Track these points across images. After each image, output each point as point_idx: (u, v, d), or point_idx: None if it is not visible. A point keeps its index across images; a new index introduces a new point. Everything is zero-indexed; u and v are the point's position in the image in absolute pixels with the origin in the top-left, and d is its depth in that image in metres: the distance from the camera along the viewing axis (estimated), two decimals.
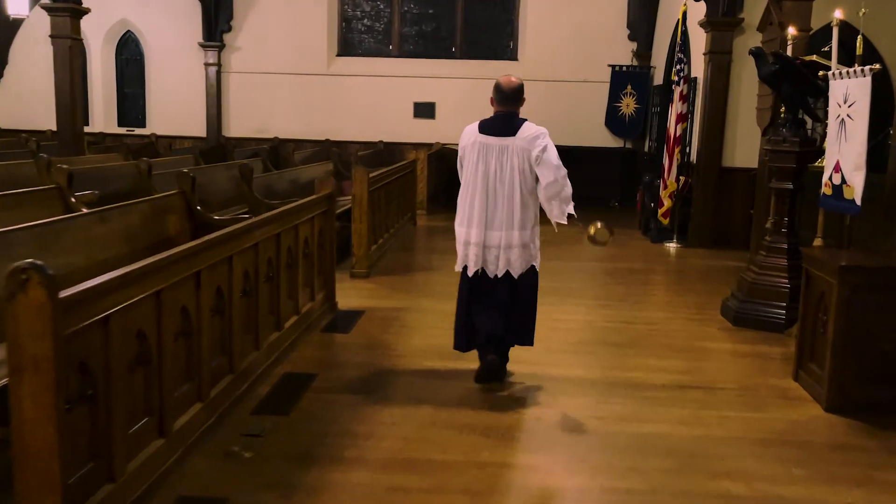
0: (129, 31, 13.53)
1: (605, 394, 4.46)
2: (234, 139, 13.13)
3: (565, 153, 12.53)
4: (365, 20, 13.64)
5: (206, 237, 3.79)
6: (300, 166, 9.96)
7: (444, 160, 12.60)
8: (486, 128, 4.39)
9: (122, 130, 13.67)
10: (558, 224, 4.49)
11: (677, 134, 9.21)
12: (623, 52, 13.00)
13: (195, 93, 13.34)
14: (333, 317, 5.81)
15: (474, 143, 4.37)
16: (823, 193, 5.07)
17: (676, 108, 9.21)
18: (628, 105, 12.84)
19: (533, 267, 4.51)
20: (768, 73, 5.83)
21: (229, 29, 13.27)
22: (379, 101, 13.22)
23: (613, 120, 12.93)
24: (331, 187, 5.85)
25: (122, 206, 4.84)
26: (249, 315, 4.29)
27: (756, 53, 5.92)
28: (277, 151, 11.80)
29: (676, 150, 9.20)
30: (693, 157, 9.64)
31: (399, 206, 9.46)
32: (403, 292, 6.71)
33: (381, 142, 12.98)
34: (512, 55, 13.53)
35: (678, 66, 9.19)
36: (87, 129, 13.44)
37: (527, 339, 4.54)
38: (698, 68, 9.43)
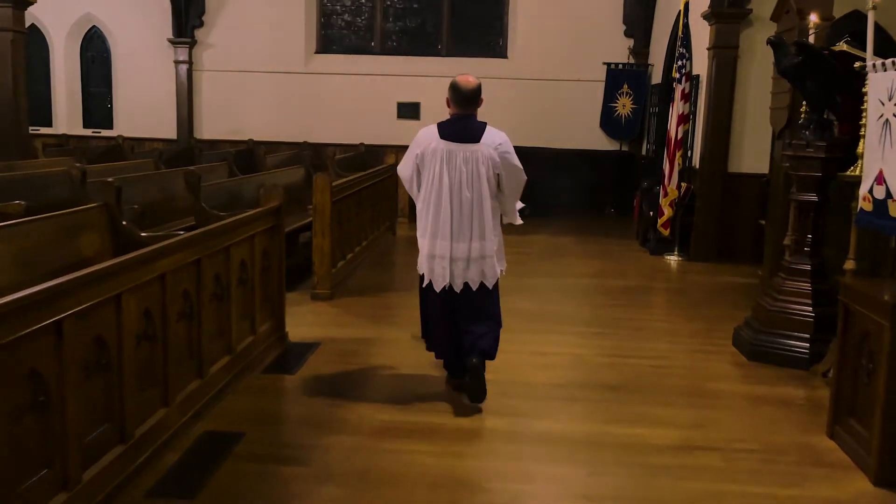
0: (94, 26, 12.59)
1: (598, 461, 3.55)
2: (207, 141, 12.22)
3: (557, 157, 11.68)
4: (345, 15, 12.73)
5: (85, 271, 2.89)
6: (271, 171, 9.05)
7: None
8: (449, 133, 4.06)
9: (88, 132, 12.75)
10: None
11: (679, 136, 8.32)
12: (619, 49, 12.11)
13: (165, 92, 12.42)
14: (281, 352, 4.91)
15: (436, 149, 4.05)
16: (861, 209, 4.18)
17: (678, 108, 8.31)
18: (625, 105, 11.95)
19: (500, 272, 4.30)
20: (790, 65, 4.94)
21: (201, 24, 12.35)
22: (360, 101, 12.31)
23: (609, 121, 12.05)
24: (279, 199, 4.94)
25: (19, 223, 3.94)
26: (153, 364, 3.39)
27: (776, 43, 5.02)
28: (251, 154, 10.88)
29: (678, 155, 8.31)
30: (695, 161, 8.75)
31: (375, 214, 8.56)
32: (369, 319, 5.80)
33: (361, 144, 12.07)
34: (501, 52, 12.63)
35: (679, 63, 8.30)
36: (49, 131, 12.63)
37: (489, 354, 4.18)
38: (701, 65, 8.54)
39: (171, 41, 12.24)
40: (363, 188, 7.68)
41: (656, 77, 11.38)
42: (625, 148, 12.17)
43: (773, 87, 6.24)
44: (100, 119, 12.78)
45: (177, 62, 12.33)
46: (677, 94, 8.30)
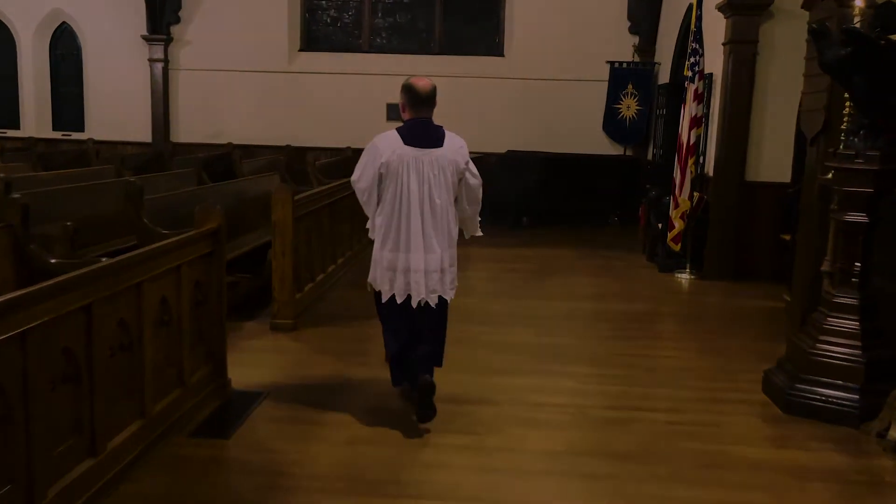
0: (64, 22, 11.71)
1: None
2: (185, 145, 11.35)
3: (557, 162, 10.78)
4: (331, 11, 11.85)
5: None
6: (245, 178, 8.18)
7: None
8: (411, 138, 3.81)
9: (58, 135, 11.87)
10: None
11: (691, 141, 7.42)
12: (623, 47, 11.23)
13: (139, 93, 11.55)
14: (220, 405, 4.02)
15: (402, 156, 3.78)
16: None
17: (690, 109, 7.41)
18: (629, 107, 11.07)
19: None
20: (835, 58, 4.04)
21: (177, 20, 11.48)
22: (347, 102, 11.43)
23: (612, 124, 11.16)
24: (217, 220, 4.05)
25: None
26: (12, 452, 2.50)
27: (819, 31, 4.12)
28: (227, 160, 9.99)
29: (690, 161, 7.40)
30: (709, 169, 7.85)
31: (356, 226, 7.65)
32: (336, 356, 4.90)
33: (348, 148, 11.18)
34: (497, 50, 11.73)
35: (692, 60, 7.40)
36: (15, 134, 11.76)
37: (440, 361, 4.07)
38: (715, 62, 7.64)
39: (145, 38, 11.37)
40: (341, 198, 6.79)
41: (664, 76, 10.48)
42: (629, 152, 11.29)
43: (806, 86, 5.34)
44: (71, 121, 11.90)
45: (151, 60, 11.47)
46: (689, 95, 7.39)
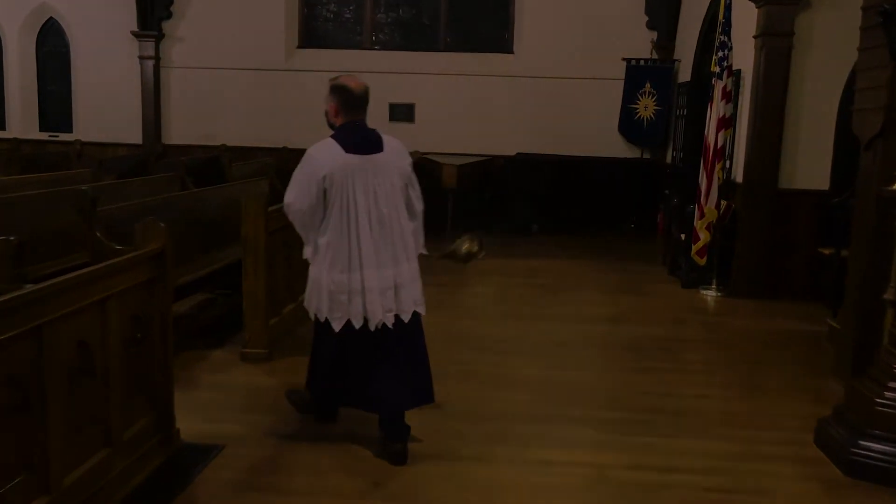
0: (51, 17, 11.07)
1: None
2: (177, 147, 10.68)
3: (569, 165, 10.03)
4: (331, 5, 11.13)
5: None
6: (232, 183, 7.48)
7: (422, 173, 10.15)
8: (353, 145, 3.42)
9: (45, 136, 11.23)
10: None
11: (719, 144, 6.65)
12: (640, 43, 10.45)
13: (129, 92, 10.88)
14: (162, 463, 3.31)
15: (345, 166, 3.37)
16: None
17: (717, 109, 6.65)
18: (647, 107, 10.29)
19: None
20: None
21: (169, 15, 10.81)
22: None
23: (628, 125, 10.39)
24: (162, 239, 3.34)
25: None
26: None
27: (890, 12, 3.37)
28: (218, 163, 9.30)
29: (717, 167, 6.64)
30: (737, 174, 7.08)
31: None
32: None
33: None
34: (506, 47, 10.98)
35: (720, 54, 6.62)
36: (1, 135, 11.15)
37: (429, 396, 3.60)
38: (745, 57, 6.86)
39: (134, 34, 10.71)
40: None
41: (684, 74, 9.71)
42: (646, 155, 10.52)
43: (861, 81, 4.56)
44: (58, 121, 11.25)
45: (142, 58, 10.80)
46: (717, 93, 6.63)
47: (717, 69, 6.62)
